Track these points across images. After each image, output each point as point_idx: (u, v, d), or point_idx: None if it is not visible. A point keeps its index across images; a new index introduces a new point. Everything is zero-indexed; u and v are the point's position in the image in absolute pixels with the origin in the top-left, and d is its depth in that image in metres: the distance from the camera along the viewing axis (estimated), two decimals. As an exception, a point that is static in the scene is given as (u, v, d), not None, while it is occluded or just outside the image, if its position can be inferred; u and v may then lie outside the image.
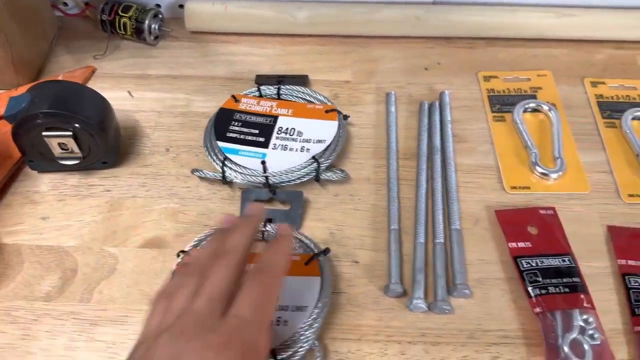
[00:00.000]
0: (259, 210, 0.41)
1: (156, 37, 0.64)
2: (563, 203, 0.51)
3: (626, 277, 0.47)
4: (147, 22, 0.62)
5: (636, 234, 0.49)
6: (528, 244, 0.49)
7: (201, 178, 0.53)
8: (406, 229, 0.50)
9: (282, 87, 0.57)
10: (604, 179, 0.53)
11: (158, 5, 0.66)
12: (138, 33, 0.63)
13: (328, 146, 0.52)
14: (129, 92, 0.61)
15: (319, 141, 0.52)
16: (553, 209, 0.51)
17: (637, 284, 0.46)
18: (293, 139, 0.53)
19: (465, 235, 0.50)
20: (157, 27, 0.63)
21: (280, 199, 0.51)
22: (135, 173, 0.54)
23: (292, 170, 0.50)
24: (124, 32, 0.63)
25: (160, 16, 0.64)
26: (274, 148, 0.52)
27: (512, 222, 0.49)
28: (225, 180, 0.52)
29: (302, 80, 0.60)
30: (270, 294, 0.35)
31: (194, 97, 0.60)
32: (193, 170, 0.53)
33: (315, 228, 0.50)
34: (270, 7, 0.63)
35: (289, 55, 0.64)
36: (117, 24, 0.63)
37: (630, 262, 0.48)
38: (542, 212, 0.51)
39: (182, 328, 0.32)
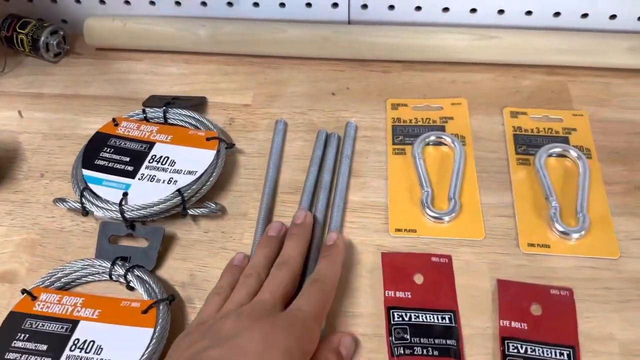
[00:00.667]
0: (309, 219, 0.46)
1: (57, 54, 0.62)
2: (452, 250, 0.46)
3: (506, 341, 0.41)
4: (42, 38, 0.59)
5: (525, 290, 0.43)
6: (408, 295, 0.44)
7: (68, 209, 0.50)
8: (273, 272, 0.46)
9: (169, 110, 0.54)
10: (504, 224, 0.47)
11: (64, 21, 0.64)
12: (35, 50, 0.60)
13: (198, 178, 0.48)
14: (19, 112, 0.58)
15: (190, 172, 0.48)
16: (448, 257, 0.46)
17: (516, 350, 0.40)
18: (163, 169, 0.49)
19: (339, 282, 0.45)
20: (54, 43, 0.60)
21: (140, 234, 0.47)
22: (4, 200, 0.51)
23: (153, 205, 0.47)
24: (22, 49, 0.61)
25: (61, 32, 0.61)
26: (141, 179, 0.48)
27: (397, 267, 0.44)
28: (85, 212, 0.48)
29: (198, 102, 0.56)
30: (326, 299, 0.40)
31: (82, 118, 0.57)
32: (55, 200, 0.49)
33: (175, 268, 0.46)
34: (171, 24, 0.59)
35: (192, 75, 0.60)
36: (15, 41, 0.60)
37: (514, 325, 0.42)
38: (434, 259, 0.46)
39: (250, 312, 0.37)
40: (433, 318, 0.42)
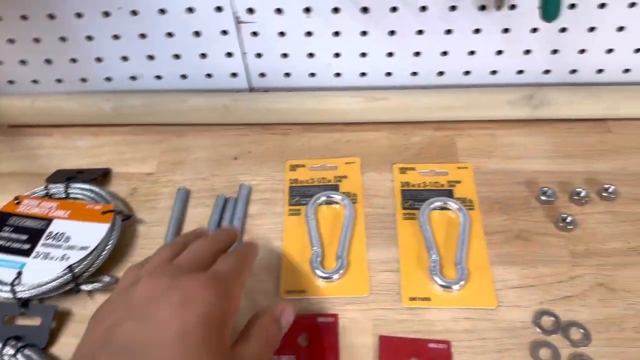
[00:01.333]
0: (236, 230, 0.46)
1: (-30, 133, 0.64)
2: (339, 309, 0.48)
3: (383, 399, 0.42)
4: (-48, 119, 0.61)
5: (404, 345, 0.45)
6: (292, 358, 0.45)
7: (-33, 288, 0.50)
8: (165, 342, 0.47)
9: (69, 185, 0.55)
10: (389, 279, 0.49)
11: (-23, 100, 0.66)
12: (-55, 130, 0.62)
13: (90, 253, 0.49)
14: None
15: (82, 248, 0.50)
16: (335, 316, 0.47)
17: (391, 408, 0.42)
18: (58, 246, 0.50)
19: (227, 349, 0.46)
20: (-35, 123, 0.62)
21: (33, 313, 0.48)
22: None
23: (44, 283, 0.48)
24: None
25: (-27, 113, 0.63)
26: (36, 257, 0.50)
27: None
28: (-21, 293, 0.49)
29: (101, 174, 0.58)
30: (244, 264, 0.40)
31: (-12, 197, 0.58)
32: (-50, 281, 0.50)
33: (68, 345, 0.47)
34: (78, 100, 0.62)
35: (99, 147, 0.62)
36: None
37: (392, 381, 0.43)
38: (320, 319, 0.47)
39: (162, 272, 0.36)
40: None
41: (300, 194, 0.56)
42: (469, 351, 0.45)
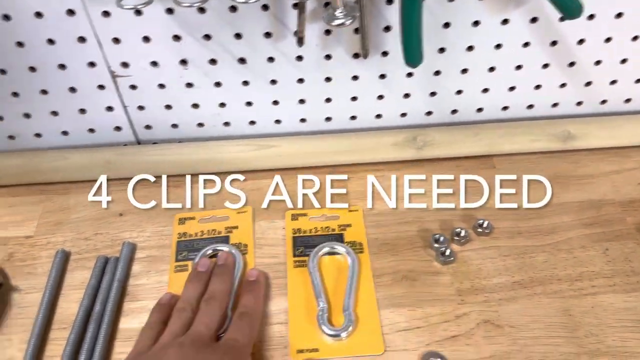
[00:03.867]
0: (231, 259, 0.52)
1: None
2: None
3: None
4: None
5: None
6: None
7: None
8: None
9: None
10: (279, 332, 0.48)
11: None
12: None
13: (-50, 330, 0.45)
14: None
15: (-60, 325, 0.46)
16: None
17: None
18: None
19: None
20: None
21: None
22: None
23: None
24: None
25: None
26: None
27: None
28: None
29: (-25, 241, 0.54)
30: (254, 330, 0.46)
31: None
32: None
33: None
34: (-53, 163, 0.58)
35: (-25, 213, 0.59)
36: None
37: None
38: None
39: (190, 342, 0.42)
40: None
41: (187, 249, 0.54)
42: (356, 403, 0.44)
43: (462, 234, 0.53)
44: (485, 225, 0.54)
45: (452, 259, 0.52)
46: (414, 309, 0.49)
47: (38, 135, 0.60)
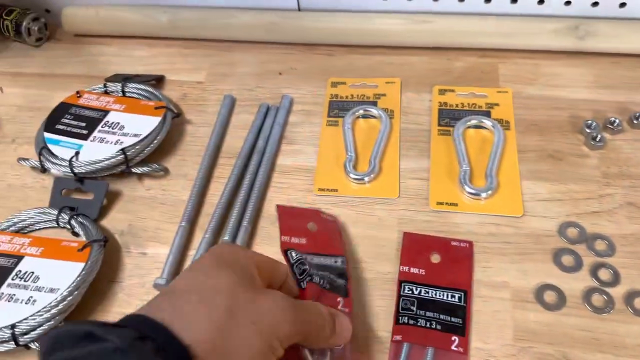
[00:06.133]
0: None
1: (39, 39, 0.69)
2: (366, 207, 0.50)
3: (403, 284, 0.44)
4: (24, 24, 0.66)
5: (427, 242, 0.47)
6: (302, 240, 0.46)
7: (30, 167, 0.55)
8: (203, 225, 0.50)
9: (126, 84, 0.59)
10: (419, 185, 0.51)
11: (47, 11, 0.71)
12: (18, 34, 0.67)
13: (142, 140, 0.53)
14: (0, 88, 0.65)
15: (135, 135, 0.54)
16: (335, 217, 0.49)
17: (410, 292, 0.44)
18: (113, 133, 0.54)
19: (259, 234, 0.49)
20: (36, 29, 0.67)
21: (87, 189, 0.52)
22: (-24, 160, 0.58)
23: (99, 161, 0.52)
24: (7, 34, 0.68)
25: (42, 20, 0.68)
26: (92, 140, 0.54)
27: (292, 218, 0.48)
28: (43, 169, 0.54)
29: (156, 78, 0.62)
30: (307, 327, 0.35)
31: (54, 93, 0.63)
32: (19, 159, 0.55)
33: (116, 219, 0.52)
34: (138, 11, 0.65)
35: (154, 57, 0.66)
36: (1, 26, 0.67)
37: (413, 270, 0.45)
38: (322, 215, 0.49)
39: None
40: (327, 261, 0.44)
41: (338, 108, 0.58)
42: (491, 252, 0.46)
43: (616, 122, 0.52)
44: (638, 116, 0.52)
45: (601, 144, 0.51)
46: (556, 184, 0.50)
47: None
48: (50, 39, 0.70)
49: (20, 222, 0.51)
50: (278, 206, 0.49)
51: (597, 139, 0.51)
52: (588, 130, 0.52)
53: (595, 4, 0.59)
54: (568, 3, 0.59)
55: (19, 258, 0.47)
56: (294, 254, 0.43)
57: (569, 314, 0.42)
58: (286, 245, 0.45)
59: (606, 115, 0.54)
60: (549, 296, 0.44)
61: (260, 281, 0.34)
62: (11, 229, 0.50)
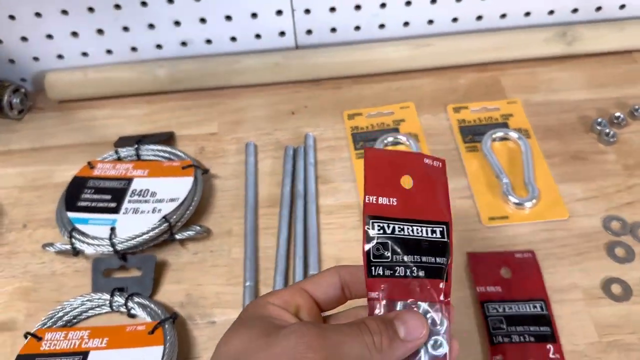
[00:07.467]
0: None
1: (21, 111, 0.63)
2: (424, 234, 0.51)
3: (485, 304, 0.46)
4: (5, 97, 0.61)
5: (493, 259, 0.48)
6: (393, 201, 0.41)
7: (57, 252, 0.51)
8: (266, 280, 0.49)
9: (140, 147, 0.56)
10: (465, 204, 0.53)
11: (23, 80, 0.66)
12: (-1, 109, 0.62)
13: (181, 204, 0.51)
14: (-10, 170, 0.59)
15: (172, 200, 0.51)
16: (441, 159, 0.48)
17: (495, 311, 0.45)
18: (145, 201, 0.51)
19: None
20: (18, 101, 0.62)
21: (132, 265, 0.49)
22: (-12, 255, 0.52)
23: (141, 234, 0.49)
24: (-15, 110, 0.62)
25: (23, 90, 0.63)
26: (125, 212, 0.51)
27: (383, 167, 0.35)
28: (75, 252, 0.50)
29: (166, 137, 0.59)
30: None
31: (54, 167, 0.58)
32: (44, 245, 0.51)
33: (171, 292, 0.49)
34: (131, 69, 0.62)
35: (155, 114, 0.63)
36: (-24, 103, 0.61)
37: (490, 289, 0.47)
38: (426, 160, 0.46)
39: None
40: (422, 231, 0.33)
41: (363, 139, 0.59)
42: (553, 257, 0.49)
43: (621, 117, 0.57)
44: (637, 108, 0.57)
45: (614, 139, 0.56)
46: (587, 182, 0.53)
47: (209, 41, 0.64)
48: (31, 109, 0.65)
49: (65, 314, 0.46)
50: (366, 149, 0.34)
51: (610, 135, 0.56)
52: (599, 128, 0.57)
53: (575, 10, 0.64)
54: (551, 12, 0.64)
55: (84, 354, 0.43)
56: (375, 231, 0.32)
57: (638, 302, 0.46)
58: (371, 209, 0.32)
59: (608, 111, 0.59)
60: (616, 289, 0.47)
61: (285, 320, 0.31)
62: (59, 324, 0.46)
